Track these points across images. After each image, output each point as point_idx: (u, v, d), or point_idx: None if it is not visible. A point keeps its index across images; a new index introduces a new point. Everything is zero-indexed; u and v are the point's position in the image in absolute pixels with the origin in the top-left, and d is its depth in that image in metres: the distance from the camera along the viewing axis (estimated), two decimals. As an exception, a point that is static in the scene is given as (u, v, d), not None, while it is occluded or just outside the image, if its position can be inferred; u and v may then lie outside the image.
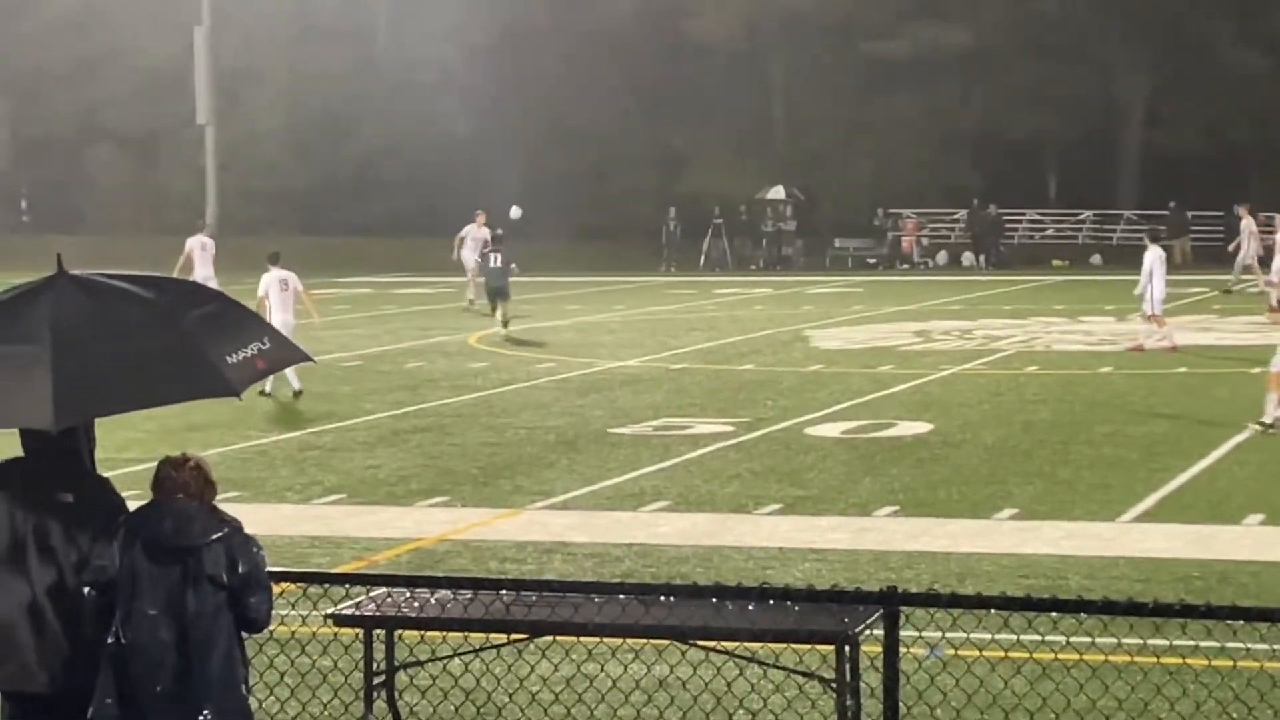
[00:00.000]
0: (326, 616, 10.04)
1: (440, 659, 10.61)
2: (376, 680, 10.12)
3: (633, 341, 36.02)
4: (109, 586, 7.50)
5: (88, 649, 7.57)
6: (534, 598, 9.51)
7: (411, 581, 9.49)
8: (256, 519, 16.97)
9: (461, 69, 72.79)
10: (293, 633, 11.22)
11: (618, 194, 72.08)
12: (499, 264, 38.27)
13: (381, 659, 10.15)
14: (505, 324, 37.35)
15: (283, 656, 10.39)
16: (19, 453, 7.84)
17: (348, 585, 9.49)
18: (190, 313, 7.65)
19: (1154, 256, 32.80)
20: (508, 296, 38.05)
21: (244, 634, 7.70)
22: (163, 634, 7.45)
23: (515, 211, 44.81)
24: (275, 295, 27.77)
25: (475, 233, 45.06)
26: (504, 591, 9.42)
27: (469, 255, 44.64)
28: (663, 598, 9.15)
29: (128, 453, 20.14)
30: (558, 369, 30.85)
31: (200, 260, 44.17)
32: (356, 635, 10.39)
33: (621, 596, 9.10)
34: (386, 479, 19.88)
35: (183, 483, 7.58)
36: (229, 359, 7.54)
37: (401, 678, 10.59)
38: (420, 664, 10.52)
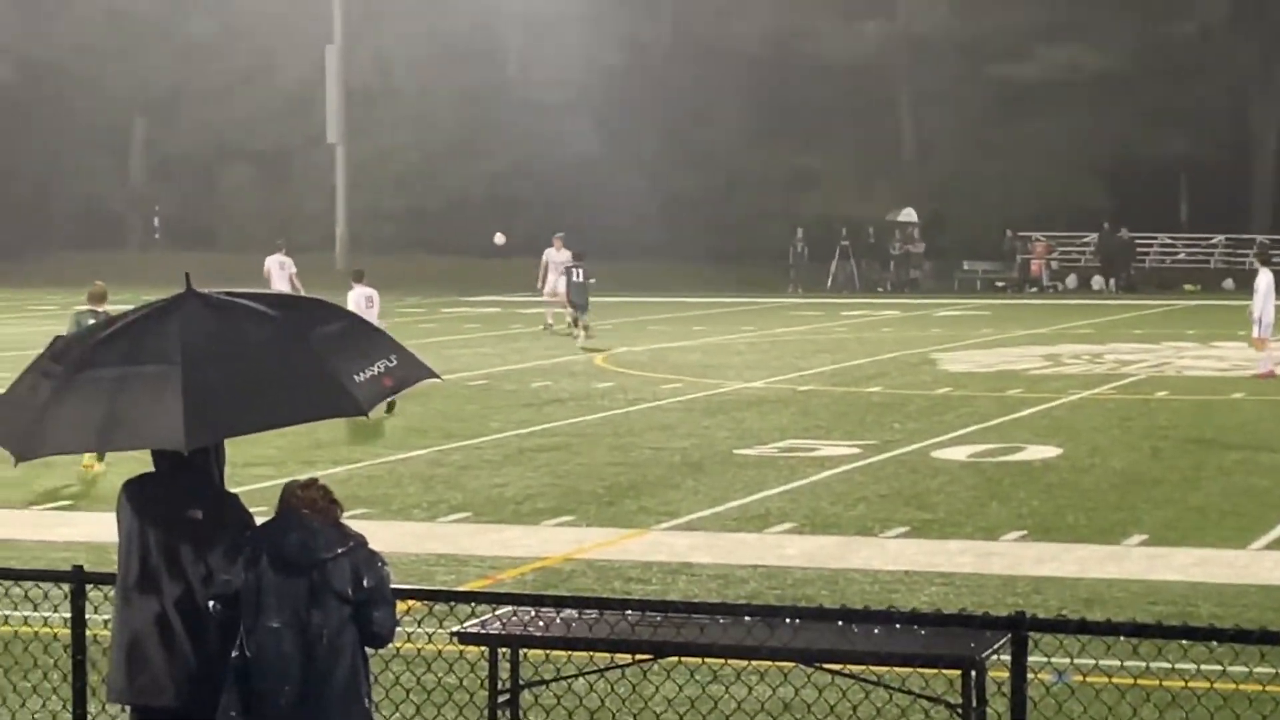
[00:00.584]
0: (452, 634, 10.05)
1: (565, 678, 10.60)
2: (501, 699, 10.12)
3: (759, 363, 35.95)
4: (234, 601, 7.55)
5: (214, 662, 7.63)
6: (659, 618, 9.48)
7: (537, 601, 9.49)
8: (383, 536, 17.04)
9: (591, 89, 72.99)
10: (419, 650, 11.25)
11: (745, 215, 72.05)
12: (580, 279, 41.42)
13: (506, 677, 10.15)
14: (587, 331, 40.51)
15: (408, 673, 10.42)
16: (150, 469, 7.91)
17: (474, 604, 9.47)
18: (318, 331, 7.67)
19: (1265, 280, 32.44)
20: (587, 310, 41.24)
21: (368, 649, 7.73)
22: (287, 648, 7.48)
23: (499, 238, 49.89)
24: (360, 313, 27.95)
25: (555, 256, 45.34)
26: (629, 612, 9.40)
27: (555, 278, 44.73)
28: (788, 620, 9.10)
29: (257, 469, 20.32)
30: (684, 390, 30.83)
31: (278, 278, 45.58)
32: (481, 653, 10.40)
33: (747, 619, 9.04)
34: (513, 498, 19.93)
35: (309, 500, 7.61)
36: (356, 377, 7.56)
37: (526, 697, 10.58)
38: (545, 683, 10.51)
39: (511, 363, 36.43)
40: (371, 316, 27.95)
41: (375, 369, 7.63)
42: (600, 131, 72.69)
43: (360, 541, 7.64)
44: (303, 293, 43.16)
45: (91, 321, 22.56)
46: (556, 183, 71.86)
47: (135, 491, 7.84)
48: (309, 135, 76.05)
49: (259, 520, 7.89)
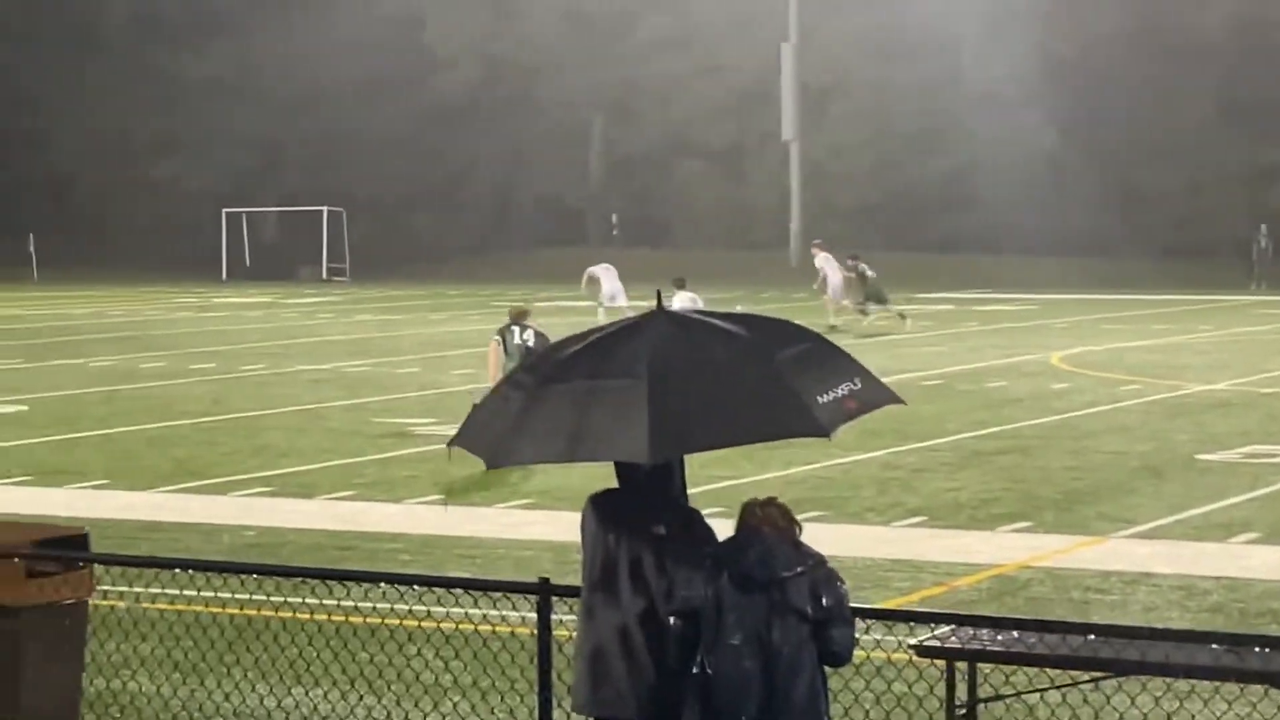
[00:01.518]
0: (909, 647, 10.02)
1: (1023, 694, 10.48)
2: (959, 713, 10.05)
3: (1221, 363, 35.01)
4: (695, 617, 7.66)
5: (674, 677, 7.74)
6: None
7: (996, 624, 9.39)
8: (838, 540, 17.12)
9: (1044, 83, 71.97)
10: (871, 659, 11.24)
11: (1204, 210, 70.25)
12: (874, 273, 44.74)
13: (964, 691, 10.07)
14: (902, 314, 43.78)
15: (861, 682, 10.42)
16: (613, 483, 8.07)
17: (934, 626, 9.42)
18: (782, 351, 7.73)
19: None
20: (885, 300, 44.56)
21: (826, 667, 7.76)
22: (747, 664, 7.56)
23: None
24: None
25: (831, 262, 46.42)
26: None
27: (835, 279, 46.06)
28: (1256, 649, 8.82)
29: (711, 469, 20.53)
30: (1143, 391, 30.20)
31: (605, 276, 47.44)
32: (938, 666, 10.34)
33: (1214, 647, 8.80)
34: (968, 502, 19.78)
35: (768, 518, 7.68)
36: (819, 399, 7.59)
37: (984, 713, 10.50)
38: (1002, 699, 10.41)
39: (966, 362, 36.14)
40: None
41: (839, 391, 7.66)
42: (1053, 125, 71.66)
43: (819, 560, 7.67)
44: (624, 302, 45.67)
45: (517, 341, 23.64)
46: (1011, 179, 71.04)
47: (600, 505, 8.01)
48: (763, 132, 76.64)
49: (716, 527, 8.00)
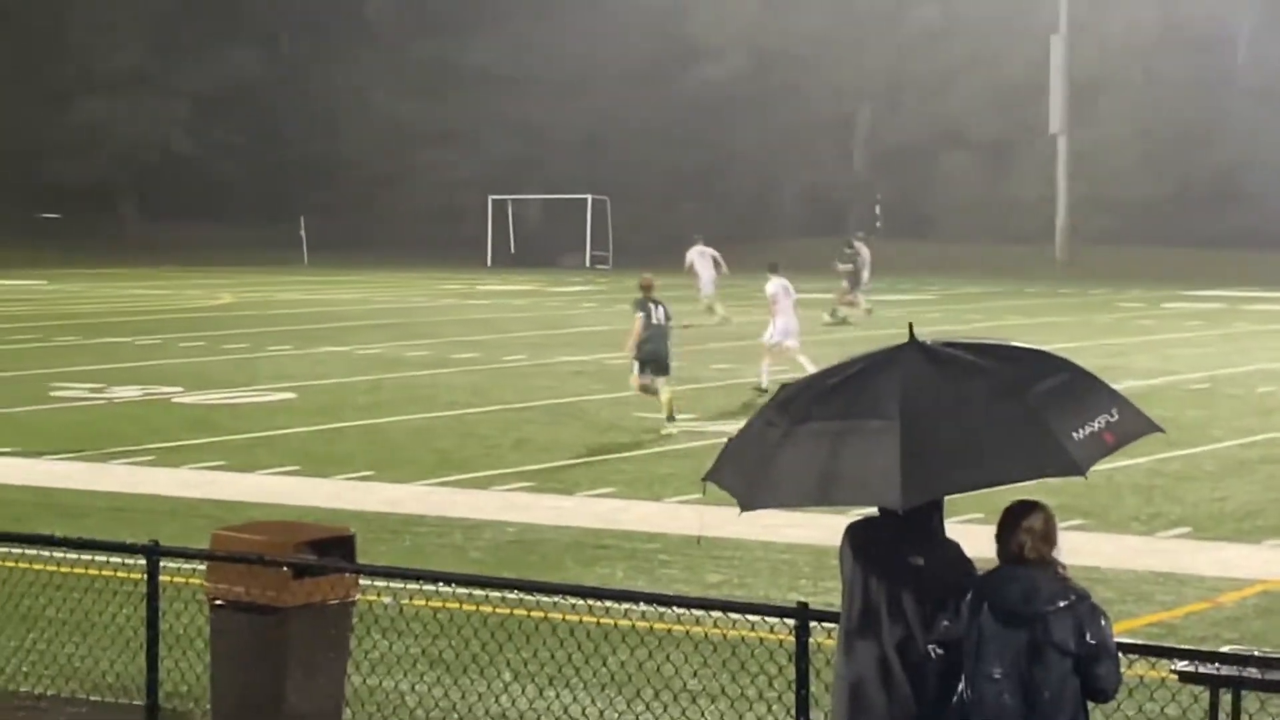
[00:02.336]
0: (1172, 670, 9.84)
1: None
2: (1221, 741, 9.85)
3: None
4: (954, 648, 7.59)
5: (933, 709, 7.68)
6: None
7: (1264, 664, 9.18)
8: (1100, 550, 16.91)
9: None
10: (1133, 682, 11.06)
11: None
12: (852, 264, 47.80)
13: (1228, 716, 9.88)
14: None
15: (1124, 706, 10.26)
16: (871, 513, 8.02)
17: (1196, 664, 9.22)
18: (1038, 386, 7.59)
19: None
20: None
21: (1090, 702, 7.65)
22: (1007, 698, 7.47)
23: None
24: (782, 301, 31.10)
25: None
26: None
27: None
28: None
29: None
30: None
31: (701, 265, 49.01)
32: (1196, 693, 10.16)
33: None
34: (1233, 513, 19.38)
35: (1030, 543, 7.56)
36: (1075, 434, 7.45)
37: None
38: (1267, 728, 10.20)
39: (1235, 364, 35.38)
40: (788, 306, 31.14)
41: (1096, 424, 7.51)
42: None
43: (1082, 594, 7.56)
44: (724, 270, 48.77)
45: (652, 308, 25.37)
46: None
47: (858, 536, 7.96)
48: (1030, 125, 75.78)
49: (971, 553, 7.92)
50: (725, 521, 18.12)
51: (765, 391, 27.99)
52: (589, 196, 79.94)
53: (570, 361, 35.39)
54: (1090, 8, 75.00)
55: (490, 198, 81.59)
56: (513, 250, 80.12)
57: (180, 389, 30.14)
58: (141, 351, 37.12)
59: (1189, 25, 74.72)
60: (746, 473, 7.80)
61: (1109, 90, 76.53)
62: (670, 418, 25.01)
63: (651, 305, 25.58)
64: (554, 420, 26.58)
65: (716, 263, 49.24)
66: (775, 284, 31.59)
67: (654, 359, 25.51)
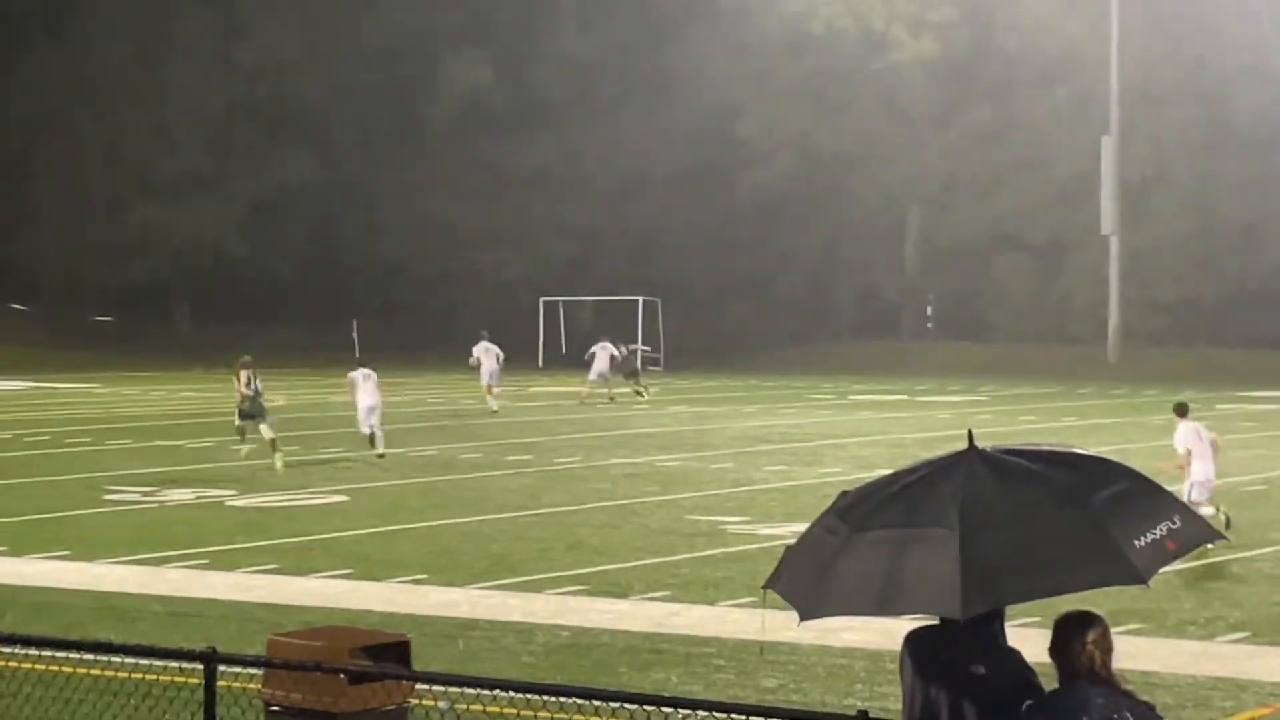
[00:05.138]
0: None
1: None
2: None
3: None
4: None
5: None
6: None
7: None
8: (1157, 654, 16.79)
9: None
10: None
11: None
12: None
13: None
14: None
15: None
16: (931, 620, 7.98)
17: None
18: (1099, 493, 7.56)
19: None
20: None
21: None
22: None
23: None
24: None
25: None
26: None
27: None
28: None
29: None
30: None
31: (485, 357, 52.62)
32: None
33: None
34: (1293, 617, 19.24)
35: (1090, 658, 7.51)
36: (1137, 542, 7.43)
37: None
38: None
39: (1291, 466, 35.19)
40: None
41: (1157, 532, 7.48)
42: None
43: (1149, 707, 7.50)
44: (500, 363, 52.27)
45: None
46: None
47: (918, 644, 7.92)
48: (1083, 225, 75.76)
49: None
50: (781, 626, 18.12)
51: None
52: (640, 298, 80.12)
53: (623, 464, 35.38)
54: (1141, 108, 75.08)
55: (542, 299, 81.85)
56: (564, 351, 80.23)
57: (234, 492, 30.23)
58: (195, 454, 37.26)
59: (1239, 125, 74.73)
60: (806, 581, 7.78)
61: (1160, 190, 76.51)
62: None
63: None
64: (608, 523, 26.55)
65: (497, 357, 53.55)
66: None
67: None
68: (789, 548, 8.16)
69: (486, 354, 53.24)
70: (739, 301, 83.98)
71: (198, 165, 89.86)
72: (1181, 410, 25.85)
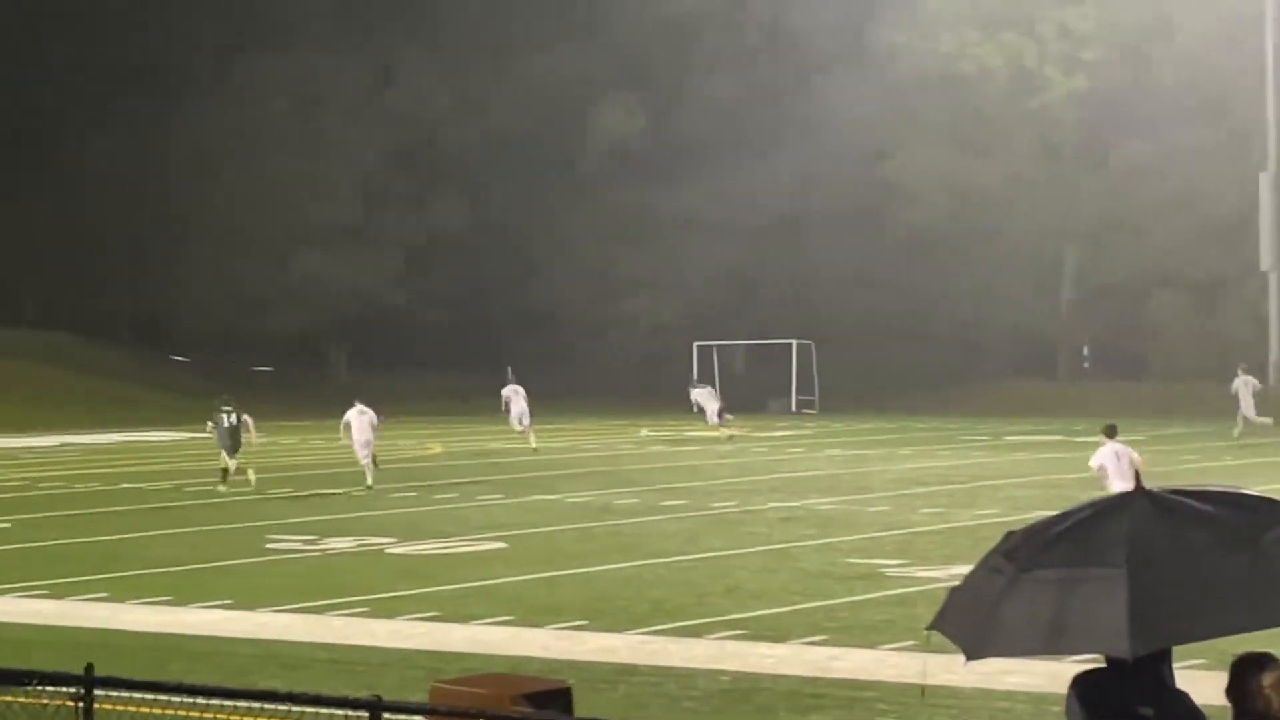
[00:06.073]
0: None
1: None
2: None
3: None
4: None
5: None
6: None
7: None
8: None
9: None
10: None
11: None
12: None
13: None
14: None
15: None
16: (1098, 662, 7.88)
17: None
18: (1270, 533, 7.45)
19: None
20: None
21: None
22: None
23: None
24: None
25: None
26: None
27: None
28: None
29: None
30: None
31: (515, 398, 55.00)
32: None
33: None
34: None
35: (1262, 700, 7.38)
36: None
37: None
38: None
39: None
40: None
41: None
42: None
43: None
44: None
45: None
46: None
47: (1085, 687, 7.82)
48: (1241, 262, 74.84)
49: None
50: (942, 669, 17.97)
51: None
52: (794, 341, 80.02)
53: (779, 507, 35.28)
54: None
55: (695, 343, 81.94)
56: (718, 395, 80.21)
57: (393, 539, 30.44)
58: (354, 503, 37.57)
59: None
60: (971, 621, 7.72)
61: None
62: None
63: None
64: (765, 567, 26.48)
65: (524, 397, 55.40)
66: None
67: None
68: (953, 589, 8.11)
69: (515, 395, 55.05)
70: (892, 343, 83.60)
71: (351, 214, 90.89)
72: (1110, 431, 27.51)
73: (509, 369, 57.20)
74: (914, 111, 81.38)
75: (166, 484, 42.70)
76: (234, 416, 42.05)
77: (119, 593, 24.30)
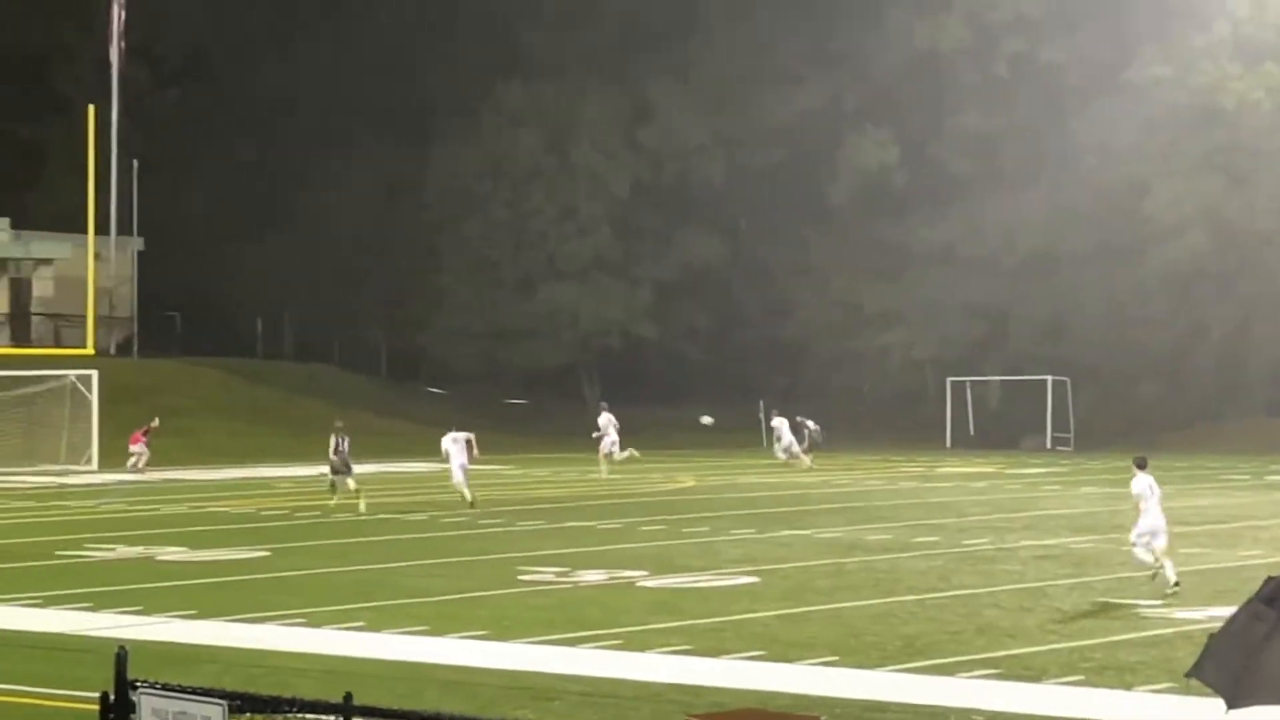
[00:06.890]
0: None
1: None
2: None
3: None
4: None
5: None
6: None
7: None
8: None
9: None
10: None
11: None
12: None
13: None
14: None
15: None
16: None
17: None
18: None
19: None
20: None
21: None
22: None
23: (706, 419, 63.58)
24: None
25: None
26: None
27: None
28: None
29: None
30: None
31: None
32: None
33: None
34: None
35: None
36: None
37: None
38: None
39: None
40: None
41: None
42: None
43: None
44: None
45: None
46: None
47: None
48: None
49: None
50: (1204, 714, 17.63)
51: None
52: (1049, 377, 79.11)
53: (1033, 545, 34.86)
54: None
55: (949, 379, 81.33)
56: (972, 432, 79.58)
57: (644, 572, 30.53)
58: (605, 535, 37.77)
59: None
60: (1232, 668, 7.57)
61: None
62: None
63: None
64: (1019, 605, 26.17)
65: (617, 428, 57.90)
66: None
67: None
68: (1213, 634, 7.96)
69: (610, 426, 57.88)
70: (1149, 379, 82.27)
71: (604, 247, 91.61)
72: (1140, 463, 28.27)
73: (603, 403, 61.00)
74: (1172, 145, 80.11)
75: (422, 515, 43.28)
76: (345, 440, 45.20)
77: (376, 622, 24.64)
